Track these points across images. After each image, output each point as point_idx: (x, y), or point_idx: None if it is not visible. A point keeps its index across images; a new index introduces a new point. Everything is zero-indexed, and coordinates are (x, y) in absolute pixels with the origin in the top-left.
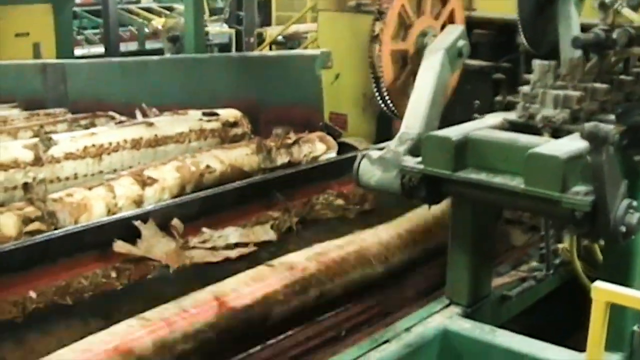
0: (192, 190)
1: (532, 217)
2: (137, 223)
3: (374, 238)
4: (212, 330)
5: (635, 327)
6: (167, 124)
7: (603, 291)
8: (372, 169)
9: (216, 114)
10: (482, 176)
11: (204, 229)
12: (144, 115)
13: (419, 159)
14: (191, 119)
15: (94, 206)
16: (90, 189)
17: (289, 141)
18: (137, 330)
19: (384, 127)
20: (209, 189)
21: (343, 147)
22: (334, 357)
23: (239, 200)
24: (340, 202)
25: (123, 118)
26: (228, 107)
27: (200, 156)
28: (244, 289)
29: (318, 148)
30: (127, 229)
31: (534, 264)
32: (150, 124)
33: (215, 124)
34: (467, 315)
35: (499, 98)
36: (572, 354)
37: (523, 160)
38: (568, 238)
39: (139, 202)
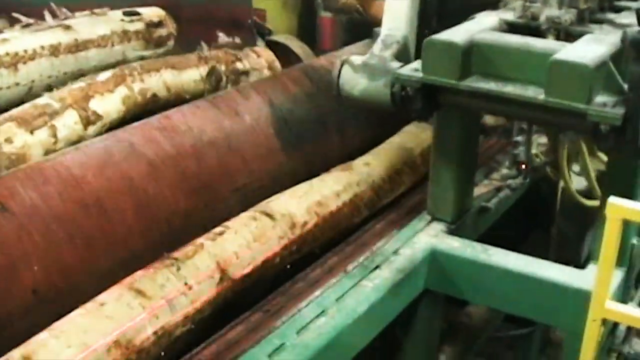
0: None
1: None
2: None
3: (366, 183)
4: (210, 308)
5: (634, 241)
6: (86, 26)
7: (618, 208)
8: (355, 77)
9: (138, 13)
10: (492, 85)
11: None
12: (55, 16)
13: (415, 65)
14: (112, 20)
15: (32, 155)
16: (32, 132)
17: (240, 68)
18: (138, 314)
19: (307, 22)
20: None
21: (272, 46)
22: (326, 289)
23: None
24: None
25: (30, 20)
26: (148, 6)
27: (149, 79)
28: (246, 253)
29: (265, 74)
30: None
31: (505, 171)
32: (68, 27)
33: (139, 25)
34: (452, 232)
35: None
36: (575, 272)
37: (540, 68)
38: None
39: (77, 143)
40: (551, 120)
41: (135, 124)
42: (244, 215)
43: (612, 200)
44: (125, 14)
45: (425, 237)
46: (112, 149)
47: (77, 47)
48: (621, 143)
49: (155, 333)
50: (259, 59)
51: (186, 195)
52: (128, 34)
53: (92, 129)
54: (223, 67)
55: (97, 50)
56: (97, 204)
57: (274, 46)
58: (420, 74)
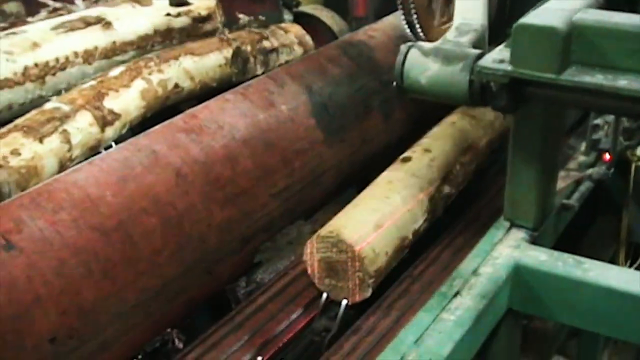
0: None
1: None
2: None
3: None
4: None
5: None
6: (127, 22)
7: None
8: (425, 61)
9: (187, 3)
10: (599, 79)
11: None
12: None
13: (496, 55)
14: (156, 13)
15: (45, 167)
16: (41, 140)
17: (267, 46)
18: (477, 129)
19: None
20: None
21: (300, 19)
22: (402, 330)
23: None
24: None
25: (57, 4)
26: None
27: (168, 69)
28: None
29: (297, 52)
30: None
31: (582, 157)
32: (108, 24)
33: (185, 20)
34: (534, 241)
35: None
36: None
37: None
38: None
39: (95, 148)
40: None
41: (157, 127)
42: (454, 114)
43: None
44: (172, 3)
45: (506, 250)
46: (132, 160)
47: (114, 51)
48: None
49: (486, 143)
50: (287, 35)
51: (221, 205)
52: (172, 32)
53: (110, 131)
54: (249, 48)
55: (134, 52)
56: (119, 228)
57: (301, 19)
58: (507, 67)
